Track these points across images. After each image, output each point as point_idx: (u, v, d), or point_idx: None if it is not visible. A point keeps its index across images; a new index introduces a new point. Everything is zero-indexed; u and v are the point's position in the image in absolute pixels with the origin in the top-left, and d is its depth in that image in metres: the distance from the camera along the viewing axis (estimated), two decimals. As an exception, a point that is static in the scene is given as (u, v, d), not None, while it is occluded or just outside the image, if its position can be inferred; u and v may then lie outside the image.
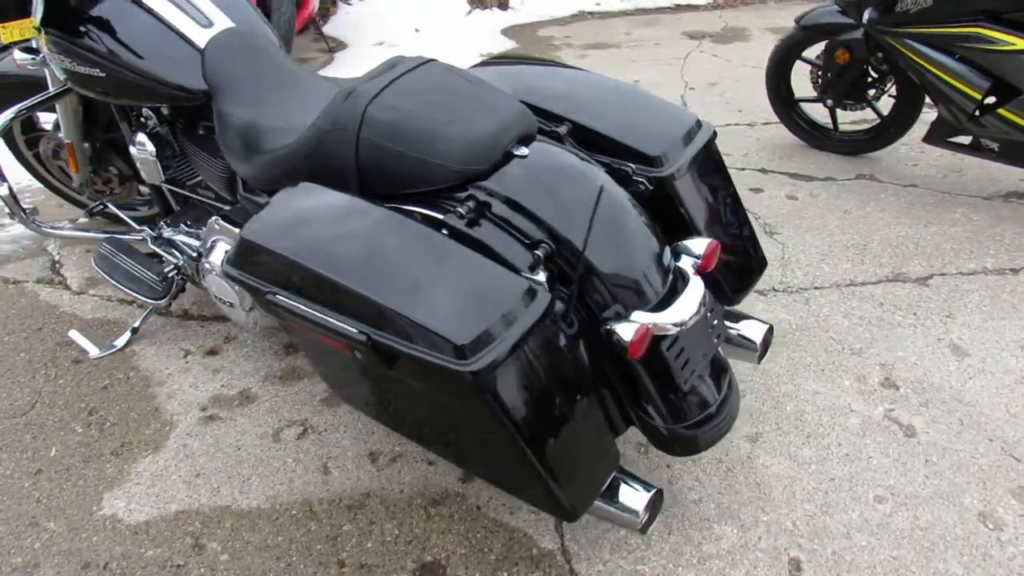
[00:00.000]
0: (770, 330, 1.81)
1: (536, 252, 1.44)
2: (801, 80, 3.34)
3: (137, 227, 2.32)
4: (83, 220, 2.70)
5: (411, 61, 1.65)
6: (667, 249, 1.57)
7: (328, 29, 5.54)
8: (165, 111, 2.06)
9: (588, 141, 1.69)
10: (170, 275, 2.21)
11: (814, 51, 3.25)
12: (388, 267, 1.36)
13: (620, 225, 1.52)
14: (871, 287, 2.55)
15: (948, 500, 1.82)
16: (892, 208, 2.99)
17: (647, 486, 1.50)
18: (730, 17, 5.48)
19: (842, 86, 3.17)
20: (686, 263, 1.56)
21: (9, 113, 2.25)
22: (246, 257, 1.49)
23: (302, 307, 1.40)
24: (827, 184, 3.19)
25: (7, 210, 2.37)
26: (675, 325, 1.46)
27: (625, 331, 1.41)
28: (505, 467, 1.45)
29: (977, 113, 2.73)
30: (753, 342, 1.77)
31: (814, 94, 3.31)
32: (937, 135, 2.95)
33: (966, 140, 2.89)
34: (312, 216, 1.49)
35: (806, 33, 3.20)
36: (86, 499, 1.87)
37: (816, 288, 2.56)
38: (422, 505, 1.84)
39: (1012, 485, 1.85)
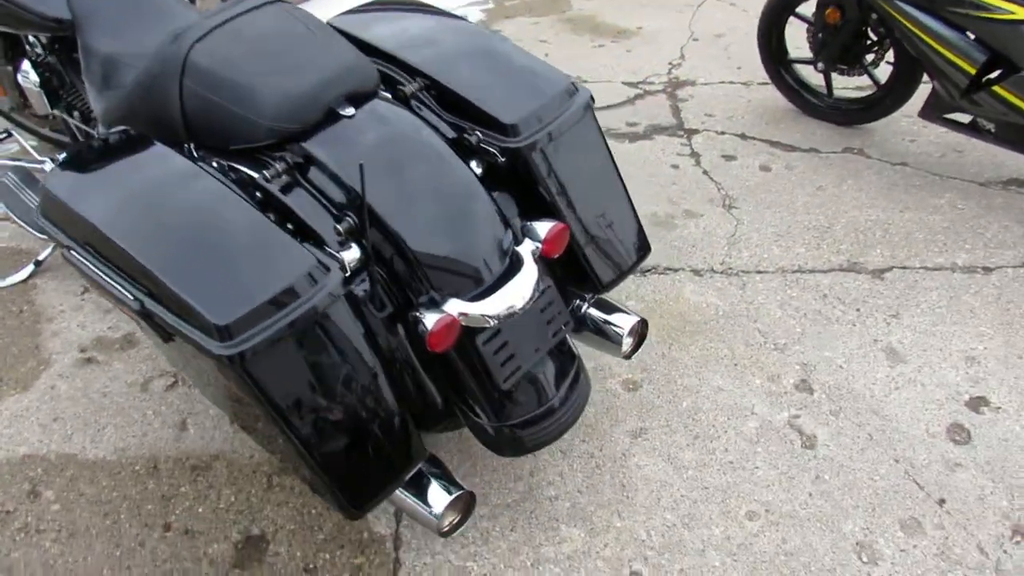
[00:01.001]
0: (642, 323, 1.65)
1: (337, 225, 1.31)
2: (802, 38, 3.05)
3: (39, 158, 2.25)
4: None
5: (252, 1, 1.51)
6: (508, 231, 1.42)
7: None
8: (44, 40, 1.96)
9: (445, 101, 1.53)
10: None
11: (812, 7, 2.95)
12: (171, 232, 1.24)
13: (445, 200, 1.37)
14: (820, 276, 2.34)
15: (827, 524, 1.66)
16: (872, 188, 2.73)
17: (454, 487, 1.38)
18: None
19: (834, 48, 2.87)
20: (527, 247, 1.41)
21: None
22: (49, 207, 1.40)
23: (89, 267, 1.31)
24: (808, 156, 2.93)
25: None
26: (491, 317, 1.32)
27: (429, 320, 1.28)
28: (287, 457, 1.35)
29: (971, 89, 2.44)
30: (619, 336, 1.61)
31: (811, 55, 3.03)
32: (933, 111, 2.66)
33: (966, 119, 2.61)
34: (116, 169, 1.38)
35: (800, -14, 2.90)
36: (-61, 435, 1.86)
37: (759, 272, 2.36)
38: (267, 473, 1.76)
39: (904, 515, 1.68)
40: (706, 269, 2.37)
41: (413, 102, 1.51)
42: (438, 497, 1.37)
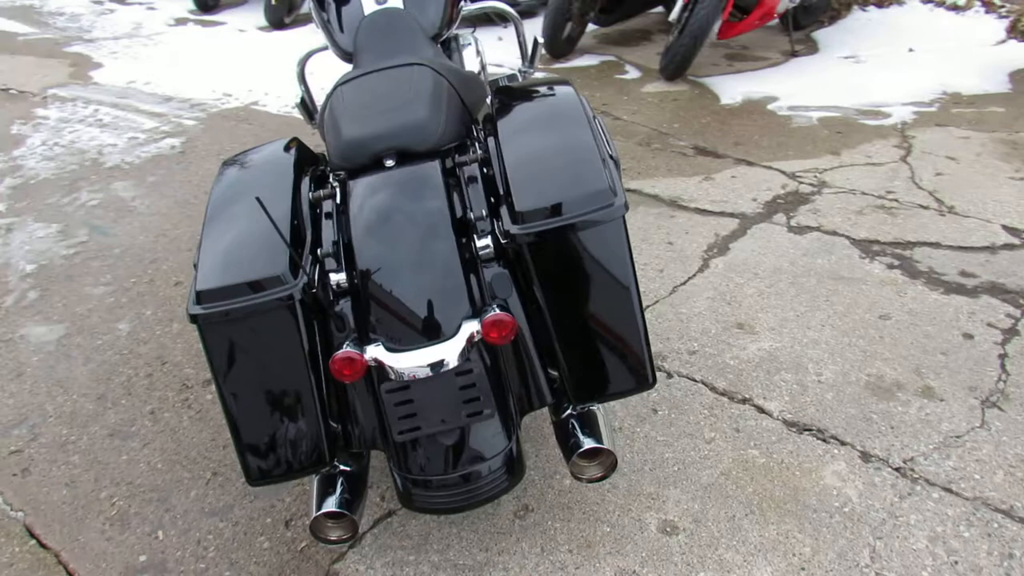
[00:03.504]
0: (608, 457, 1.51)
1: (319, 251, 1.54)
2: None
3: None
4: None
5: (405, 59, 1.80)
6: (468, 307, 1.47)
7: (825, 33, 5.20)
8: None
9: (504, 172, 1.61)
10: None
11: None
12: (227, 221, 1.62)
13: (414, 264, 1.48)
14: (1030, 531, 1.71)
15: None
16: None
17: (343, 507, 1.51)
18: None
19: None
20: (469, 327, 1.44)
21: (306, 51, 2.93)
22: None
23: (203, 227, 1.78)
24: None
25: (302, 115, 3.14)
26: (394, 370, 1.42)
27: (339, 350, 1.44)
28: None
29: None
30: (570, 453, 1.51)
31: None
32: None
33: None
34: (252, 164, 1.81)
35: None
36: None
37: (948, 490, 1.82)
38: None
39: None
40: (880, 458, 1.92)
41: (464, 168, 1.62)
42: (326, 505, 1.52)
